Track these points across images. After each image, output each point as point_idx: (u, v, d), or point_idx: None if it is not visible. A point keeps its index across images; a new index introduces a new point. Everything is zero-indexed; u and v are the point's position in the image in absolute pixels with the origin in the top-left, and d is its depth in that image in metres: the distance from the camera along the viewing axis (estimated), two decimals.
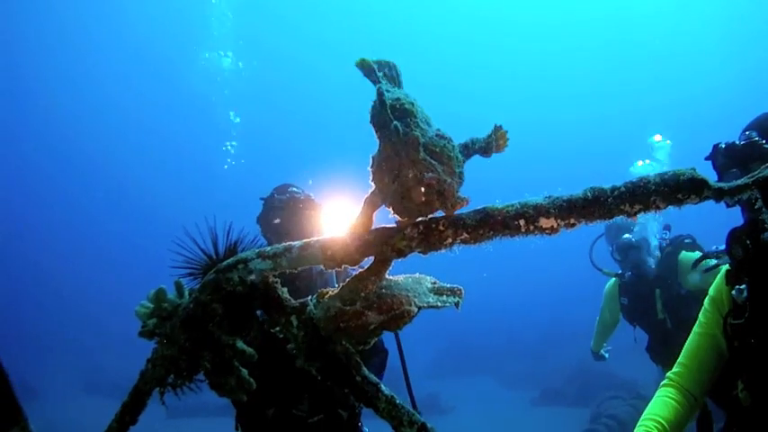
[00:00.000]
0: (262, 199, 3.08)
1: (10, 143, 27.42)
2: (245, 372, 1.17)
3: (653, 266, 4.21)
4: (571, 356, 13.51)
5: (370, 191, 1.09)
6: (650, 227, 4.25)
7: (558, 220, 1.04)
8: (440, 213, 1.04)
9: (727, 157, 1.82)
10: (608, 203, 1.02)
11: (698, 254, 4.04)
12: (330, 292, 1.12)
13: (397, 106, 1.02)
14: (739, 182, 1.02)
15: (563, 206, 1.03)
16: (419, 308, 0.99)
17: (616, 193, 1.02)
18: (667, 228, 4.33)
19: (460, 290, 1.08)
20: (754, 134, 1.80)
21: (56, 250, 28.16)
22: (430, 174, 0.97)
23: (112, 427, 1.17)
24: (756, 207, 1.04)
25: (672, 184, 1.01)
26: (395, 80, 1.16)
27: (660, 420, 1.73)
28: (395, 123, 0.97)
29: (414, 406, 2.78)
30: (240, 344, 1.16)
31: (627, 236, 4.25)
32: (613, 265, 4.50)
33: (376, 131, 1.04)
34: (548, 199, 1.04)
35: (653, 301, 4.21)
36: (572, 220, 1.04)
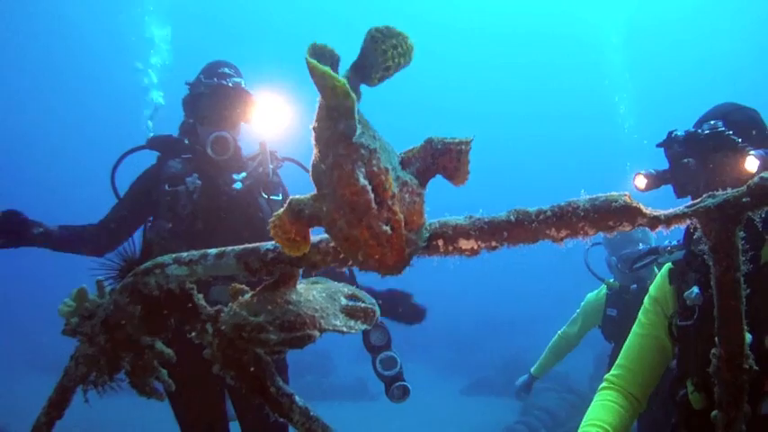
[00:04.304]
0: (187, 84, 2.76)
1: None
2: (164, 372, 1.17)
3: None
4: (503, 347, 13.25)
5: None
6: (652, 240, 3.98)
7: (479, 242, 0.98)
8: None
9: (685, 146, 1.69)
10: (532, 228, 0.96)
11: None
12: (243, 291, 1.08)
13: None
14: (677, 210, 0.94)
15: (484, 228, 0.97)
16: (322, 331, 0.96)
17: (542, 216, 0.95)
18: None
19: (374, 312, 1.04)
20: (720, 124, 1.67)
21: None
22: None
23: (40, 421, 1.19)
24: (695, 237, 0.96)
25: (602, 211, 0.94)
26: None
27: (603, 425, 1.66)
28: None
29: None
30: (159, 345, 1.15)
31: (639, 247, 3.95)
32: (606, 274, 4.31)
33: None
34: (469, 219, 0.98)
35: None
36: (494, 243, 0.98)
